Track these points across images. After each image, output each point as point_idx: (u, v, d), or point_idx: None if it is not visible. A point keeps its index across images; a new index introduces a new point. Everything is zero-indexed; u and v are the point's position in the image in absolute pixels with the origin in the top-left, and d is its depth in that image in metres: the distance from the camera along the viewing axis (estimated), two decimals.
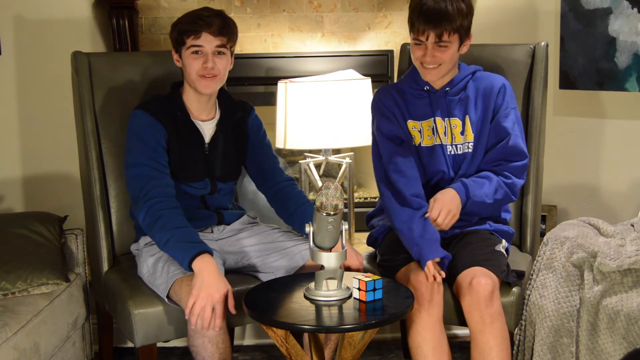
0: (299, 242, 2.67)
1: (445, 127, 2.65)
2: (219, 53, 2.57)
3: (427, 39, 2.51)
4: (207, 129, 2.67)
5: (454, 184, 2.60)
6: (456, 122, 2.65)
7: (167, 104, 2.63)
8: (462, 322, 2.55)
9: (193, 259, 2.35)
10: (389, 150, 2.65)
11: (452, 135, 2.66)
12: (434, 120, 2.66)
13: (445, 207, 2.54)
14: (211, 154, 2.67)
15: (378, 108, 2.71)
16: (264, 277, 2.63)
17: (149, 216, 2.46)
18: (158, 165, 2.54)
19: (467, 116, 2.65)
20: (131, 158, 2.56)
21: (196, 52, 2.55)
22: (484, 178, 2.61)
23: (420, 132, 2.66)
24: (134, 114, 2.60)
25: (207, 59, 2.55)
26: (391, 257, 2.61)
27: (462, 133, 2.65)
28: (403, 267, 2.53)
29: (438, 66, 2.55)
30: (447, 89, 2.65)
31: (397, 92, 2.69)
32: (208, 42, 2.54)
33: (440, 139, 2.66)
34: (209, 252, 2.39)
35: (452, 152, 2.66)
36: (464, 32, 2.54)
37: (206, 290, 2.28)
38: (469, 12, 2.53)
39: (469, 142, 2.66)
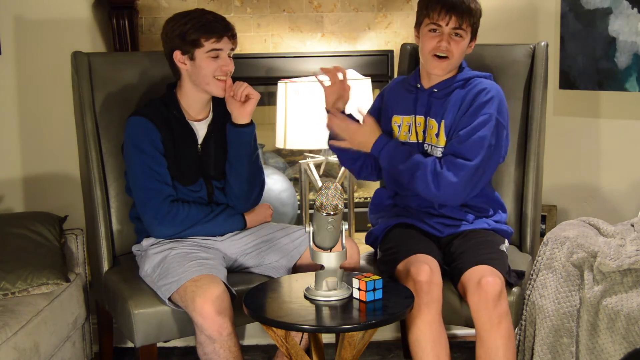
0: (292, 233, 2.71)
1: (424, 125, 2.67)
2: (230, 57, 2.62)
3: (447, 24, 2.55)
4: (201, 130, 2.69)
5: (383, 139, 2.61)
6: (433, 123, 2.66)
7: (163, 106, 2.65)
8: (464, 323, 2.55)
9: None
10: None
11: (429, 136, 2.67)
12: (415, 118, 2.68)
13: (354, 138, 2.62)
14: (204, 154, 2.68)
15: (377, 99, 2.81)
16: (261, 273, 2.67)
17: (180, 224, 2.60)
18: (159, 177, 2.58)
19: (443, 120, 2.64)
20: (134, 169, 2.59)
21: (216, 57, 2.58)
22: (422, 156, 2.60)
23: (399, 127, 2.70)
24: (128, 122, 2.62)
25: (226, 62, 2.59)
26: (395, 250, 2.60)
27: (437, 135, 2.65)
28: (403, 260, 2.52)
29: (447, 59, 2.58)
30: (434, 89, 2.66)
31: (402, 85, 2.76)
32: (227, 45, 2.59)
33: (416, 137, 2.67)
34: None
35: (427, 151, 2.67)
36: (474, 31, 2.62)
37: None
38: (481, 15, 2.63)
39: (441, 147, 2.64)
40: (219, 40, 2.56)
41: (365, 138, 2.61)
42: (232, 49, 2.62)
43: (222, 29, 2.57)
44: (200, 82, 2.61)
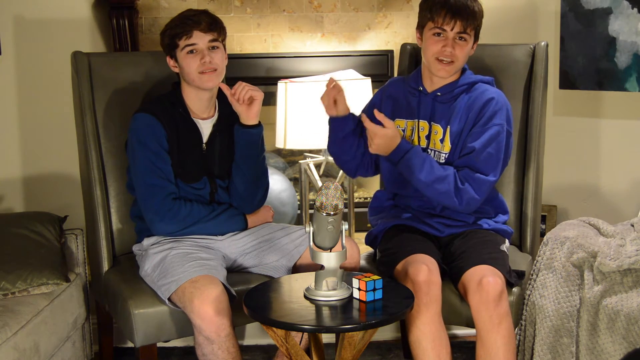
0: (292, 232, 2.71)
1: (428, 130, 2.66)
2: (213, 48, 2.61)
3: (452, 29, 2.54)
4: (206, 128, 2.69)
5: (407, 143, 2.57)
6: (438, 128, 2.65)
7: (168, 103, 2.66)
8: (465, 323, 2.55)
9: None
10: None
11: (433, 141, 2.66)
12: (417, 122, 2.67)
13: (379, 135, 2.53)
14: (209, 153, 2.69)
15: (376, 99, 2.79)
16: (261, 273, 2.67)
17: (182, 221, 2.60)
18: (162, 174, 2.59)
19: (449, 126, 2.64)
20: (137, 165, 2.59)
21: (191, 52, 2.59)
22: (442, 166, 2.58)
23: (404, 131, 2.69)
24: (134, 119, 2.63)
25: (204, 55, 2.59)
26: (393, 250, 2.60)
27: (442, 141, 2.65)
28: (402, 261, 2.52)
29: (452, 62, 2.57)
30: (438, 93, 2.65)
31: (402, 86, 2.74)
32: (200, 38, 2.58)
33: (419, 142, 2.67)
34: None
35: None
36: (477, 34, 2.62)
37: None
38: (483, 16, 2.62)
39: (445, 153, 2.64)
40: (190, 36, 2.58)
41: (386, 142, 2.55)
42: (214, 40, 2.60)
43: (192, 24, 2.57)
44: (191, 81, 2.63)
